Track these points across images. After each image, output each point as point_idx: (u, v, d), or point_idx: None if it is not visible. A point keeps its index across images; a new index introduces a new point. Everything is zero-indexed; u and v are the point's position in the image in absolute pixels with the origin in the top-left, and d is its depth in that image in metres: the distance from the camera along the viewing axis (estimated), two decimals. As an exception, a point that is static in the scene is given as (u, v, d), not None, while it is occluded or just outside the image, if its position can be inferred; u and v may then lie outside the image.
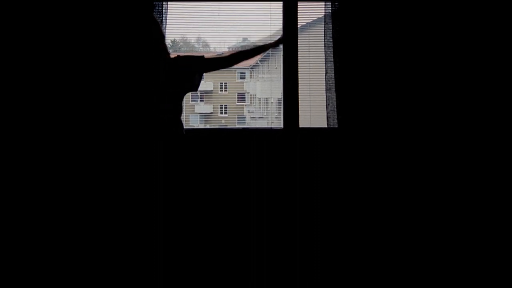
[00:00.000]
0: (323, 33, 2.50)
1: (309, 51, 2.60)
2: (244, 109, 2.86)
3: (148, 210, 1.82)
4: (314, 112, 2.56)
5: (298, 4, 2.51)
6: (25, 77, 2.32)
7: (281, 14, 2.50)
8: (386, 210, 2.45)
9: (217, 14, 2.58)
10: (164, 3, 2.41)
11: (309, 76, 2.59)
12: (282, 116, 2.55)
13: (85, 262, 2.25)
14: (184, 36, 2.75)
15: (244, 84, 2.90)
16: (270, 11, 2.55)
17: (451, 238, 2.42)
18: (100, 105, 2.26)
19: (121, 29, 1.91)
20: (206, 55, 2.16)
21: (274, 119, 2.67)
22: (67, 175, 2.32)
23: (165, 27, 2.43)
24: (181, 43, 2.76)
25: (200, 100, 2.88)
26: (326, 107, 2.52)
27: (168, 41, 2.68)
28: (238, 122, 2.82)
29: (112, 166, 1.93)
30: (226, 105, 2.86)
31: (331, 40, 2.46)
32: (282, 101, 2.54)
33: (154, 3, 2.37)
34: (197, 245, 2.35)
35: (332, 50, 2.46)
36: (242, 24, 2.59)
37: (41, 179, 2.31)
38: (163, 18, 2.43)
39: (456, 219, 2.44)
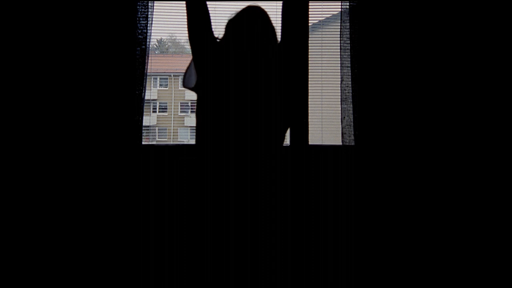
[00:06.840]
0: (339, 33, 2.24)
1: (322, 55, 2.36)
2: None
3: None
4: (327, 126, 2.38)
5: (310, 3, 2.28)
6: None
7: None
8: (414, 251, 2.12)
9: (212, 11, 2.28)
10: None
11: (321, 84, 2.37)
12: (288, 132, 2.31)
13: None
14: (173, 35, 2.45)
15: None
16: (276, 10, 2.27)
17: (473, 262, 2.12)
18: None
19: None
20: None
21: (279, 135, 2.38)
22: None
23: (151, 24, 2.19)
24: (169, 43, 2.46)
25: (191, 112, 2.64)
26: (341, 121, 2.27)
27: (154, 40, 2.37)
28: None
29: None
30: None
31: (348, 42, 2.21)
32: (288, 114, 2.30)
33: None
34: None
35: (349, 53, 2.21)
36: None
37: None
38: (149, 14, 2.19)
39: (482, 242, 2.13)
